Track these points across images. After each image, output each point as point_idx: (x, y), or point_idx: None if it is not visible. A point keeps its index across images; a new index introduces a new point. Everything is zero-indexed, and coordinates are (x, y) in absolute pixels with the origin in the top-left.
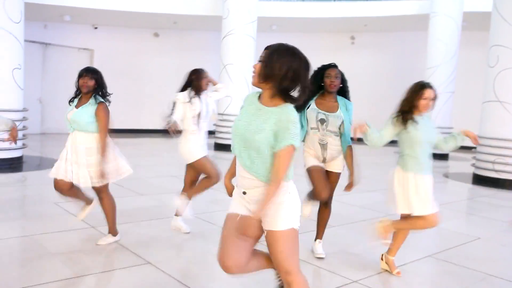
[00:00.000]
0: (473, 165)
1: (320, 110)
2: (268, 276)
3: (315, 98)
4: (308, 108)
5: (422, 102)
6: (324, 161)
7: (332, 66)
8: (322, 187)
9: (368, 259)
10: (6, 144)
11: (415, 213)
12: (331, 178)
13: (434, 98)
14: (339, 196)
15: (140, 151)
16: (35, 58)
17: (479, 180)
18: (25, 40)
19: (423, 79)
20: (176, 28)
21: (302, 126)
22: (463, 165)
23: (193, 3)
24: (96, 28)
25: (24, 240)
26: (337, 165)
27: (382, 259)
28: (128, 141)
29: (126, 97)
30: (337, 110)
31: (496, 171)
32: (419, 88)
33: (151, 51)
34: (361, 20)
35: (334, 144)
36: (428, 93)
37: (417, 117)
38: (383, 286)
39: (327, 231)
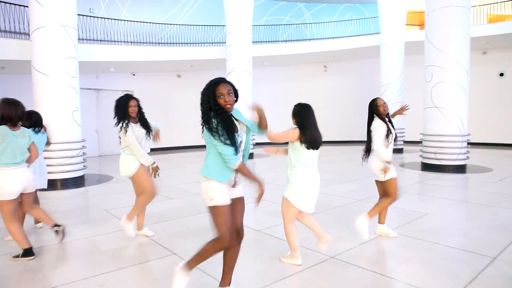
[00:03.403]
0: (420, 156)
1: None
2: (284, 267)
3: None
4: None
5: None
6: (235, 185)
7: (222, 81)
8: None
9: (344, 239)
10: (73, 167)
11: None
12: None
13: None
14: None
15: (171, 163)
16: (91, 100)
17: (426, 167)
18: (83, 88)
19: (378, 94)
20: (192, 70)
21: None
22: (413, 156)
23: (204, 51)
24: (134, 74)
25: (82, 241)
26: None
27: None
28: (162, 156)
29: (160, 123)
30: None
31: (437, 159)
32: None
33: (176, 88)
34: (330, 53)
35: None
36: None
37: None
38: (354, 259)
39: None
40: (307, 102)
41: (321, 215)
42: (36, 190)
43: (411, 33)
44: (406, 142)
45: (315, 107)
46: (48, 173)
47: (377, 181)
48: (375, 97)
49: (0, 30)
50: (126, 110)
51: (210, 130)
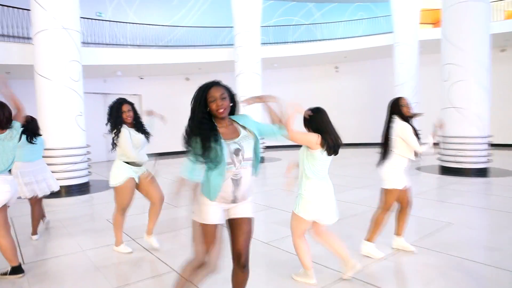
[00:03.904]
0: (438, 158)
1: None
2: (297, 286)
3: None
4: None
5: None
6: (234, 201)
7: (214, 84)
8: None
9: (359, 253)
10: (77, 173)
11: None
12: (243, 227)
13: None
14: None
15: (179, 169)
16: (99, 105)
17: (445, 170)
18: (91, 92)
19: (392, 95)
20: (201, 72)
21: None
22: (430, 159)
23: (213, 53)
24: (142, 78)
25: (77, 256)
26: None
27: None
28: (170, 161)
29: (168, 127)
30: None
31: (457, 162)
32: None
33: (184, 92)
34: (341, 53)
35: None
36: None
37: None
38: (373, 279)
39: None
40: (318, 105)
41: (333, 225)
42: (42, 199)
43: (425, 31)
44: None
45: (326, 109)
46: None
47: (387, 190)
48: (398, 96)
49: (3, 35)
50: (119, 116)
51: (184, 141)
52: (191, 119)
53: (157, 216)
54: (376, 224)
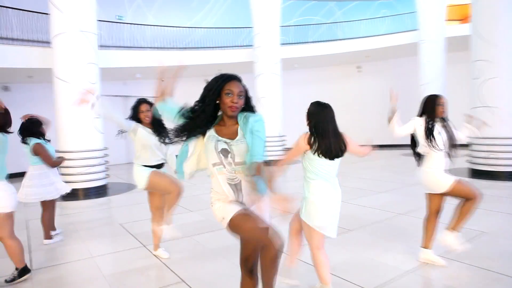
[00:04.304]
0: (468, 161)
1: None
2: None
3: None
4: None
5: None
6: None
7: (236, 78)
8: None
9: (383, 266)
10: (95, 176)
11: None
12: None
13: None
14: (352, 199)
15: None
16: (119, 107)
17: (475, 173)
18: (111, 95)
19: (418, 94)
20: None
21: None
22: (460, 161)
23: (232, 54)
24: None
25: (85, 262)
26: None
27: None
28: None
29: None
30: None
31: (489, 165)
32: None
33: None
34: (364, 53)
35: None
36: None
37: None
38: None
39: (339, 236)
40: (326, 102)
41: (353, 233)
42: (53, 204)
43: (452, 27)
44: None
45: (348, 110)
46: (70, 182)
47: (431, 195)
48: (434, 93)
49: (23, 40)
50: (137, 115)
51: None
52: (198, 106)
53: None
54: (426, 230)
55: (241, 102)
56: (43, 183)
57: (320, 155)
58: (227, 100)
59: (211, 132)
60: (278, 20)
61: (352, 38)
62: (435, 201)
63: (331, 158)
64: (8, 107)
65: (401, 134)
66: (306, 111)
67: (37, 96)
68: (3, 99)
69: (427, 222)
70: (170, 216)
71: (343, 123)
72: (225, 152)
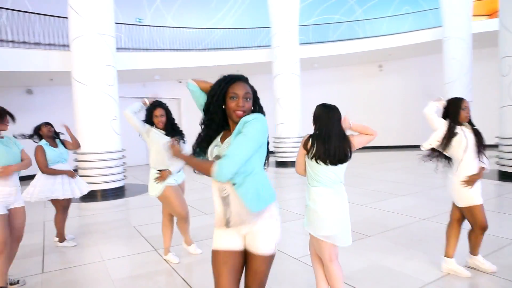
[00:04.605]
0: (497, 163)
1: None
2: None
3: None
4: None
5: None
6: (227, 224)
7: (241, 79)
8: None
9: (404, 276)
10: (112, 177)
11: None
12: (252, 263)
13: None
14: (372, 202)
15: None
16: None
17: (504, 176)
18: (130, 97)
19: (442, 93)
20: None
21: None
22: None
23: (250, 54)
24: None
25: (95, 266)
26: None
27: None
28: None
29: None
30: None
31: None
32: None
33: None
34: (386, 51)
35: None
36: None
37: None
38: None
39: (357, 242)
40: (333, 104)
41: (371, 239)
42: (66, 206)
43: (479, 23)
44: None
45: (369, 111)
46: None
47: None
48: (458, 96)
49: (44, 44)
50: (150, 119)
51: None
52: (205, 119)
53: (171, 234)
54: (448, 238)
55: (248, 105)
56: (49, 183)
57: (318, 161)
58: (232, 104)
59: (218, 137)
60: (297, 19)
61: (373, 37)
62: (457, 208)
63: (334, 163)
64: (31, 110)
65: (433, 120)
66: (312, 114)
67: (58, 99)
68: (27, 102)
69: (450, 229)
70: (187, 237)
71: (363, 123)
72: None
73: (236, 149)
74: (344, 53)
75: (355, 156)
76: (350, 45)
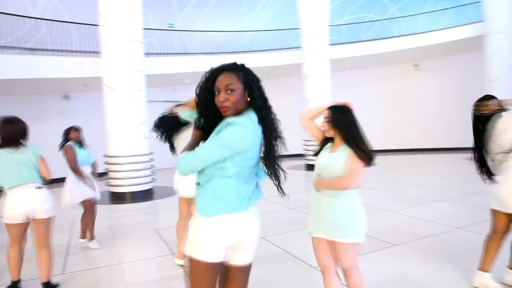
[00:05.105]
0: None
1: None
2: None
3: None
4: None
5: None
6: None
7: (225, 69)
8: None
9: (429, 287)
10: (141, 180)
11: None
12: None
13: None
14: (402, 209)
15: None
16: None
17: None
18: (161, 101)
19: (484, 92)
20: (269, 77)
21: None
22: None
23: (280, 56)
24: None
25: (113, 269)
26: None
27: None
28: None
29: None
30: None
31: None
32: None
33: None
34: (422, 49)
35: None
36: None
37: None
38: None
39: (382, 251)
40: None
41: (398, 248)
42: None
43: None
44: None
45: (405, 112)
46: (117, 186)
47: (500, 213)
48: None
49: (80, 51)
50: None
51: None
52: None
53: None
54: (487, 251)
55: (233, 98)
56: (75, 186)
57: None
58: (216, 100)
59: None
60: (327, 19)
61: (408, 35)
62: (503, 218)
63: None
64: (68, 114)
65: None
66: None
67: (93, 104)
68: (64, 107)
69: (490, 241)
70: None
71: (398, 125)
72: None
73: (203, 148)
74: (377, 52)
75: (386, 159)
76: (383, 44)
